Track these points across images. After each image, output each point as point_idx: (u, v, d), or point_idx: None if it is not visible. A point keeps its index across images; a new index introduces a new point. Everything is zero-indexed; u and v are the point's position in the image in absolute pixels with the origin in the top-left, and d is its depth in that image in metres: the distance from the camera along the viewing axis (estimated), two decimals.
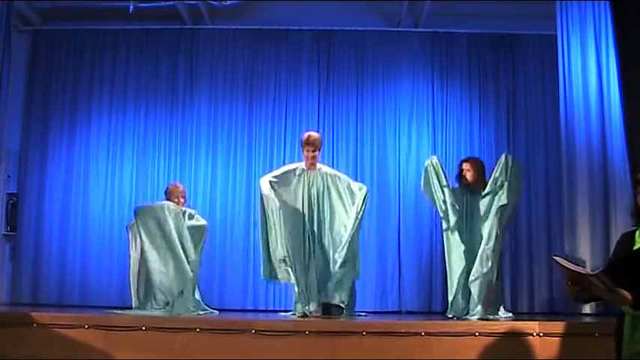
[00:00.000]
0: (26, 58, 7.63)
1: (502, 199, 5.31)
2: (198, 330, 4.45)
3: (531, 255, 7.04)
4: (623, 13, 5.74)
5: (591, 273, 2.35)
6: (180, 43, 7.69)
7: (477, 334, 4.36)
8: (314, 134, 5.73)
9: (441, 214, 5.55)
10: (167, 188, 6.21)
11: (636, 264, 2.40)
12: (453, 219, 5.46)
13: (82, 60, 7.65)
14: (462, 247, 5.44)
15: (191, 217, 5.94)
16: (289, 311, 5.73)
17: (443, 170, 5.59)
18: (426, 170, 5.58)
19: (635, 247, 2.57)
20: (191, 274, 5.65)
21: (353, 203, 5.54)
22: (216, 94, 7.56)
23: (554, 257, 2.53)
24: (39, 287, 7.06)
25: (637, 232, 2.61)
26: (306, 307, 5.30)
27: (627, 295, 2.37)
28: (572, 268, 2.41)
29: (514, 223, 6.79)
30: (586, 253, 5.86)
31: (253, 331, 4.41)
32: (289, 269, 5.32)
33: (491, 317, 5.15)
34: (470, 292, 5.29)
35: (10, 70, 6.87)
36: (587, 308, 5.80)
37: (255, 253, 6.60)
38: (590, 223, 5.96)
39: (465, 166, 5.65)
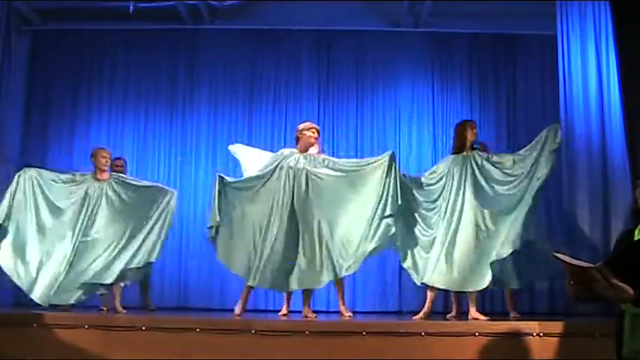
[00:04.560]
0: (26, 58, 7.64)
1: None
2: (198, 330, 4.44)
3: None
4: (623, 13, 5.73)
5: (592, 266, 2.36)
6: (180, 43, 7.71)
7: (476, 334, 4.35)
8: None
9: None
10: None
11: (637, 254, 2.41)
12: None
13: (82, 60, 7.67)
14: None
15: None
16: (290, 312, 5.73)
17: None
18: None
19: (636, 238, 2.58)
20: None
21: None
22: (216, 94, 7.57)
23: (556, 254, 2.54)
24: None
25: (637, 230, 2.62)
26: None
27: (628, 289, 2.38)
28: (574, 263, 2.42)
29: None
30: (586, 253, 5.86)
31: (253, 331, 4.41)
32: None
33: None
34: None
35: (10, 70, 6.88)
36: (587, 308, 5.79)
37: None
38: (589, 222, 5.96)
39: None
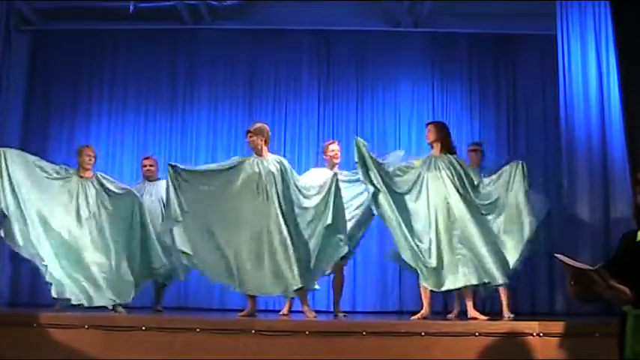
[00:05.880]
0: (26, 58, 7.65)
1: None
2: (198, 330, 4.44)
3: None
4: (623, 13, 5.75)
5: (592, 268, 2.37)
6: (180, 43, 7.71)
7: (476, 334, 4.35)
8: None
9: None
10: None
11: (636, 257, 2.41)
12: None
13: (82, 60, 7.67)
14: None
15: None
16: (293, 312, 5.72)
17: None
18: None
19: (636, 240, 2.58)
20: None
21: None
22: (216, 94, 7.58)
23: (557, 255, 2.54)
24: (38, 287, 7.03)
25: (638, 232, 2.62)
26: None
27: (627, 291, 2.38)
28: (574, 265, 2.42)
29: None
30: (586, 253, 5.86)
31: (253, 331, 4.41)
32: None
33: None
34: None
35: (10, 70, 6.88)
36: (587, 308, 5.79)
37: None
38: (590, 222, 5.97)
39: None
